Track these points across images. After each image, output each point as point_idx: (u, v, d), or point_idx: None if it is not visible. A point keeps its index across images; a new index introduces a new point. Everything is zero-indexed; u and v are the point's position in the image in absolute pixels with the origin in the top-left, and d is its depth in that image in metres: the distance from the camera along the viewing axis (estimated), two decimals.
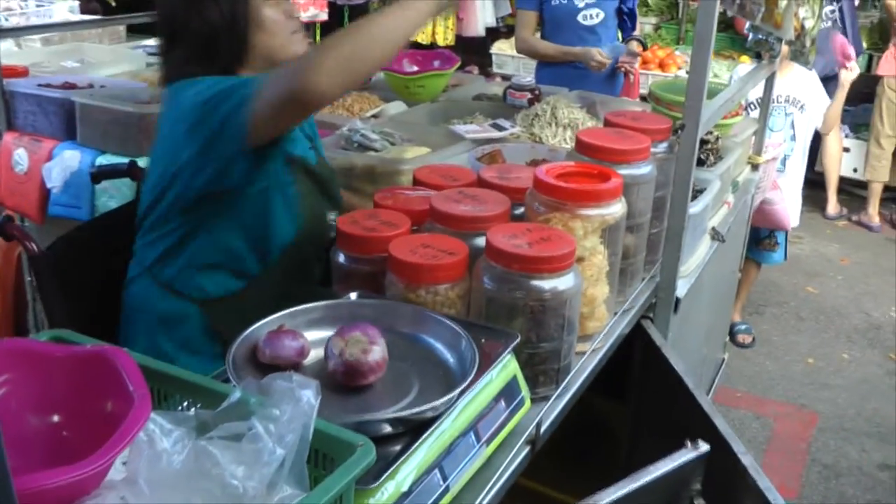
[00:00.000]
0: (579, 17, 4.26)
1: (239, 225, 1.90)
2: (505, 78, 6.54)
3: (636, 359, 2.19)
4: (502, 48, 6.73)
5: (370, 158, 2.51)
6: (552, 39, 4.32)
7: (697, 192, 2.36)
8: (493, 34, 7.97)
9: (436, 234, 1.70)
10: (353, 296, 1.62)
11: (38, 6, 5.07)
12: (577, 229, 1.68)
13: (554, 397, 1.60)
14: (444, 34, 7.22)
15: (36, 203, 3.18)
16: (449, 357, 1.41)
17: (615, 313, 1.92)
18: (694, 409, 1.86)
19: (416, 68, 3.36)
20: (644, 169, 1.90)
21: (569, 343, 1.63)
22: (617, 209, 1.73)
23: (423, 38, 7.30)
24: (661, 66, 6.10)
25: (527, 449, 1.49)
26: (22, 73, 3.62)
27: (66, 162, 3.01)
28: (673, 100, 3.01)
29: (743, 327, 4.58)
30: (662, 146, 2.06)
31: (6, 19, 4.79)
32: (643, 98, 4.63)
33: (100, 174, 2.51)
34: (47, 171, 3.06)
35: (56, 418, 1.15)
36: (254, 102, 1.69)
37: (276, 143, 1.84)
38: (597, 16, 4.26)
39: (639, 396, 2.26)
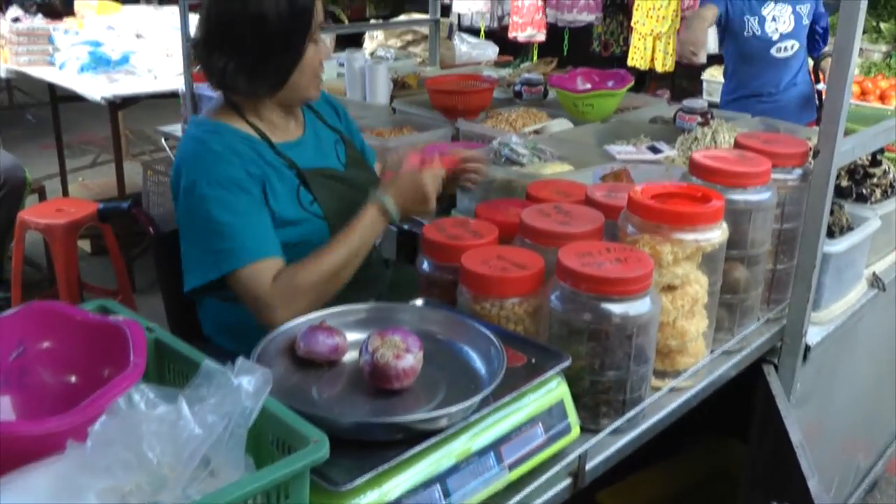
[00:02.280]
0: (773, 51, 4.03)
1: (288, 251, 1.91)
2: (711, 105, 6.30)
3: (756, 405, 2.02)
4: (714, 74, 6.46)
5: (509, 173, 2.47)
6: (743, 70, 4.13)
7: (846, 229, 2.15)
8: (717, 61, 7.69)
9: (515, 248, 1.64)
10: (419, 302, 1.59)
11: None
12: (664, 254, 1.57)
13: (609, 430, 1.49)
14: (662, 60, 7.02)
15: None
16: (483, 371, 1.35)
17: (712, 350, 1.78)
18: (794, 470, 1.69)
19: (588, 86, 3.28)
20: (762, 195, 1.75)
21: (639, 374, 1.52)
22: (715, 235, 1.60)
23: (641, 63, 7.14)
24: (882, 97, 5.56)
25: (567, 481, 1.40)
26: None
27: None
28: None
29: None
30: (796, 173, 1.89)
31: None
32: None
33: None
34: None
35: (73, 378, 1.21)
36: (221, 276, 1.81)
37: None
38: (791, 48, 4.03)
39: (757, 443, 2.08)
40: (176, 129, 4.01)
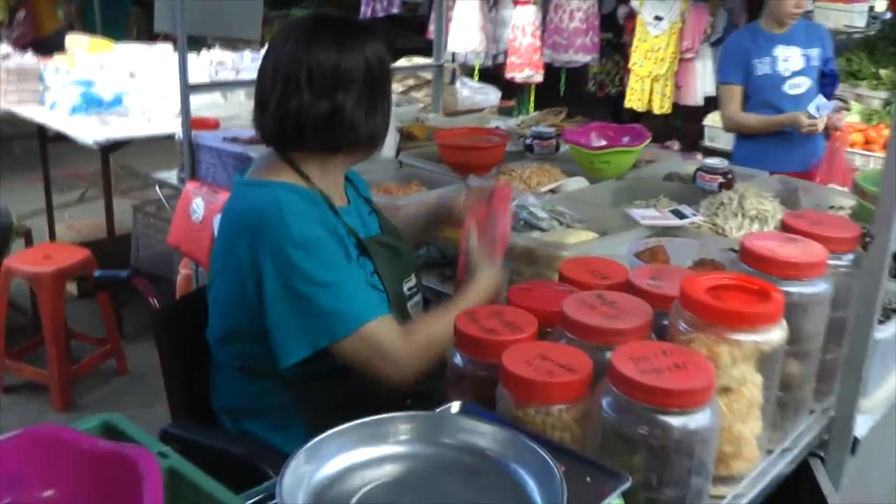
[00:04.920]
0: (785, 87, 4.15)
1: None
2: (712, 153, 6.23)
3: (801, 499, 1.89)
4: (715, 120, 6.39)
5: (530, 240, 2.36)
6: (754, 112, 4.20)
7: (891, 312, 2.04)
8: (714, 103, 7.64)
9: (559, 345, 1.51)
10: (455, 407, 1.46)
11: (254, 61, 5.24)
12: (722, 356, 1.45)
13: None
14: (660, 102, 6.95)
15: (206, 252, 3.23)
16: (538, 496, 1.22)
17: (770, 451, 1.65)
18: None
19: (603, 143, 3.17)
20: (817, 287, 1.63)
21: (698, 488, 1.39)
22: (775, 336, 1.48)
23: (639, 105, 7.08)
24: (886, 147, 5.49)
25: None
26: (212, 125, 3.72)
27: None
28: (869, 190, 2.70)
29: None
30: (846, 258, 1.78)
31: (216, 72, 4.98)
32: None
33: None
34: (217, 223, 3.09)
35: None
36: (337, 344, 1.79)
37: None
38: (802, 84, 4.14)
39: None
40: (171, 176, 3.88)
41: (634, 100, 7.07)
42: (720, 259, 1.98)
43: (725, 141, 6.22)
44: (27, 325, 4.54)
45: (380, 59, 1.96)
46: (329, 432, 1.27)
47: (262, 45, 5.88)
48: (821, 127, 3.95)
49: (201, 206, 3.31)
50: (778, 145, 4.11)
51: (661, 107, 7.02)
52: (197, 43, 5.61)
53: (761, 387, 1.52)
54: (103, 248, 4.67)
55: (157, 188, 4.00)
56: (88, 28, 8.10)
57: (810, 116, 3.94)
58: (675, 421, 1.32)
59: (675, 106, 7.24)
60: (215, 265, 1.98)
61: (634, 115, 8.10)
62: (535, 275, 2.35)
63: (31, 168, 6.22)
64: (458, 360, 1.59)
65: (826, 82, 4.22)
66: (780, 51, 4.12)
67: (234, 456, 1.87)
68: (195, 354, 2.09)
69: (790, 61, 4.12)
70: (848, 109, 4.13)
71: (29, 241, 4.73)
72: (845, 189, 3.55)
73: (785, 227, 1.82)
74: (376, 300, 1.87)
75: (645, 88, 6.96)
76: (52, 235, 5.39)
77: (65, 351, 4.01)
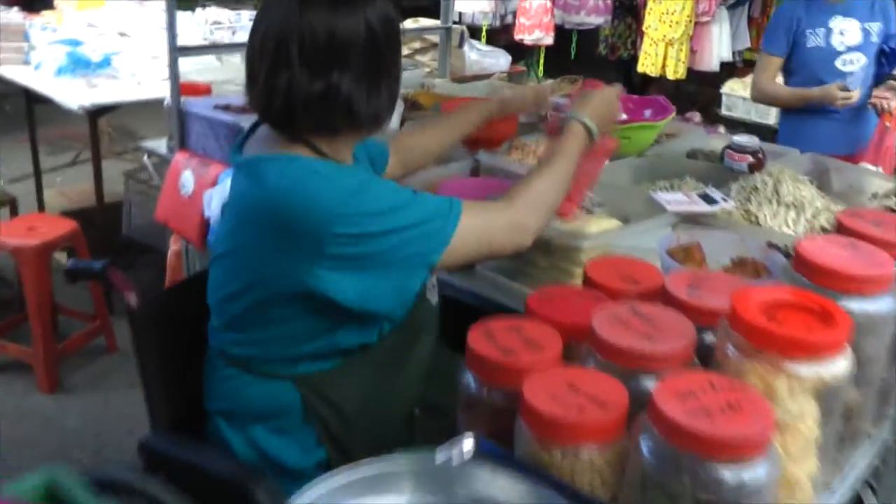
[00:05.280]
0: (838, 63, 3.71)
1: (344, 315, 1.66)
2: (732, 124, 5.98)
3: None
4: (734, 88, 6.15)
5: (548, 228, 2.14)
6: (806, 85, 3.78)
7: None
8: (729, 69, 7.38)
9: (589, 371, 1.30)
10: (467, 444, 1.25)
11: (251, 20, 4.99)
12: (780, 389, 1.24)
13: None
14: (674, 67, 6.69)
15: (197, 229, 3.01)
16: None
17: (828, 483, 1.45)
18: None
19: (624, 116, 2.93)
20: (884, 303, 1.42)
21: None
22: (840, 367, 1.27)
23: (652, 70, 6.83)
24: None
25: None
26: (203, 90, 3.48)
27: (228, 190, 2.80)
28: None
29: None
30: None
31: (212, 32, 4.72)
32: None
33: None
34: (207, 198, 2.87)
35: None
36: (450, 244, 1.63)
37: None
38: (857, 61, 3.71)
39: None
40: (160, 144, 3.64)
41: (648, 64, 6.82)
42: (760, 260, 1.77)
43: (743, 111, 5.99)
44: (13, 297, 4.33)
45: (385, 21, 1.69)
46: (328, 477, 1.07)
47: (258, 4, 5.62)
48: (856, 98, 3.59)
49: (191, 179, 3.09)
50: (826, 124, 3.75)
51: (675, 72, 6.76)
52: (192, 0, 5.35)
53: (819, 421, 1.32)
54: (93, 218, 4.46)
55: (145, 158, 3.76)
56: None
57: (843, 88, 3.61)
58: (727, 474, 1.11)
59: (689, 71, 6.99)
60: (228, 255, 1.74)
61: (646, 80, 7.85)
62: (551, 266, 2.15)
63: (22, 128, 5.99)
64: (470, 382, 1.38)
65: (885, 61, 3.80)
66: (837, 22, 3.69)
67: (221, 477, 1.67)
68: (180, 354, 1.91)
69: (846, 35, 3.69)
70: None
71: (14, 211, 4.50)
72: (878, 169, 3.33)
73: (841, 229, 1.60)
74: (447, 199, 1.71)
75: (659, 53, 6.70)
76: (41, 203, 5.16)
77: (50, 329, 3.81)
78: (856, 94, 3.58)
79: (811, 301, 1.34)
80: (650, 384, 1.26)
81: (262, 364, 1.75)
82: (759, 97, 4.05)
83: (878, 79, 3.80)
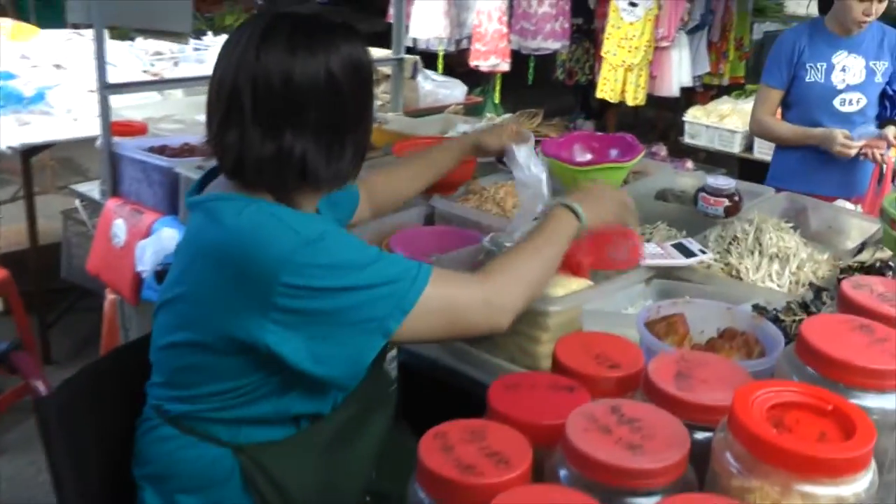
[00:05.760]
0: (836, 102, 3.48)
1: (294, 378, 1.54)
2: (695, 153, 5.83)
3: None
4: (696, 115, 5.99)
5: None
6: (800, 122, 3.57)
7: None
8: (688, 94, 7.27)
9: (564, 492, 1.09)
10: None
11: (196, 49, 4.74)
12: None
13: None
14: (634, 92, 6.54)
15: (129, 283, 2.78)
16: None
17: None
18: None
19: (589, 157, 2.75)
20: None
21: None
22: (863, 484, 1.07)
23: (611, 95, 6.67)
24: None
25: None
26: (138, 130, 3.23)
27: (162, 242, 2.58)
28: None
29: None
30: None
31: (152, 64, 4.47)
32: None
33: (165, 273, 2.04)
34: (140, 251, 2.64)
35: None
36: (411, 311, 1.49)
37: None
38: (857, 101, 3.48)
39: None
40: (93, 188, 3.39)
41: (607, 90, 6.67)
42: (751, 332, 1.58)
43: (707, 138, 5.85)
44: None
45: (352, 67, 1.56)
46: None
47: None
48: (853, 152, 3.36)
49: (123, 228, 2.85)
50: (823, 165, 3.52)
51: (634, 97, 6.61)
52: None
53: None
54: (26, 261, 4.19)
55: (77, 203, 3.50)
56: (20, 12, 7.51)
57: (848, 138, 3.36)
58: None
59: (649, 96, 6.86)
60: (176, 300, 1.60)
61: (604, 105, 7.71)
62: (515, 332, 1.94)
63: None
64: (422, 500, 1.16)
65: (888, 104, 3.57)
66: (841, 58, 3.47)
67: None
68: (102, 446, 1.72)
69: (848, 72, 3.47)
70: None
71: None
72: (857, 208, 3.17)
73: (845, 304, 1.40)
74: (416, 263, 1.56)
75: (618, 78, 6.55)
76: None
77: None
78: (855, 149, 3.36)
79: (825, 400, 1.13)
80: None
81: (202, 424, 1.58)
82: (758, 131, 3.86)
83: (879, 122, 3.57)
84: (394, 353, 1.81)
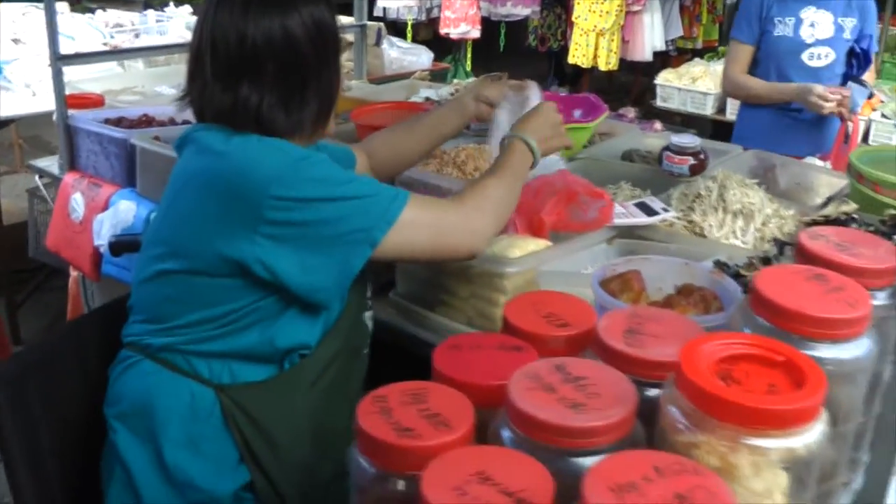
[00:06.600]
0: (804, 56, 3.47)
1: (283, 301, 1.63)
2: (667, 115, 5.78)
3: None
4: (668, 79, 5.94)
5: None
6: (768, 78, 3.55)
7: None
8: (662, 58, 7.22)
9: (505, 452, 1.05)
10: None
11: (158, 21, 4.63)
12: (742, 468, 1.00)
13: None
14: (606, 57, 6.49)
15: (89, 258, 2.71)
16: None
17: None
18: None
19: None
20: (861, 348, 1.18)
21: None
22: (814, 435, 1.03)
23: (584, 61, 6.63)
24: None
25: None
26: (95, 102, 3.16)
27: (120, 215, 2.51)
28: (882, 180, 2.27)
29: None
30: (882, 296, 1.32)
31: (112, 36, 4.37)
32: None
33: (118, 245, 1.99)
34: (97, 225, 2.58)
35: None
36: (395, 224, 1.60)
37: None
38: (825, 56, 3.47)
39: None
40: (52, 163, 3.31)
41: (579, 55, 6.62)
42: (710, 289, 1.53)
43: (679, 100, 5.81)
44: None
45: (313, 26, 1.66)
46: None
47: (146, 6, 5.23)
48: (828, 109, 3.31)
49: (81, 202, 2.78)
50: (789, 124, 3.52)
51: (607, 63, 6.58)
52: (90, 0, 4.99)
53: (789, 491, 1.08)
54: None
55: (37, 179, 3.43)
56: None
57: (825, 93, 3.30)
58: None
59: (622, 61, 6.81)
60: (161, 230, 1.69)
61: (578, 71, 7.66)
62: (472, 295, 1.91)
63: None
64: (362, 464, 1.12)
65: (854, 62, 3.53)
66: (810, 13, 3.44)
67: None
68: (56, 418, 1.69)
69: (817, 27, 3.45)
70: (870, 96, 3.36)
71: None
72: (827, 165, 3.13)
73: (803, 255, 1.36)
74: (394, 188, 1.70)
75: (590, 44, 6.50)
76: None
77: None
78: (829, 107, 3.32)
79: (775, 351, 1.09)
80: (582, 466, 1.02)
81: (185, 358, 1.62)
82: (731, 90, 3.82)
83: (844, 81, 3.53)
84: (370, 312, 1.84)
